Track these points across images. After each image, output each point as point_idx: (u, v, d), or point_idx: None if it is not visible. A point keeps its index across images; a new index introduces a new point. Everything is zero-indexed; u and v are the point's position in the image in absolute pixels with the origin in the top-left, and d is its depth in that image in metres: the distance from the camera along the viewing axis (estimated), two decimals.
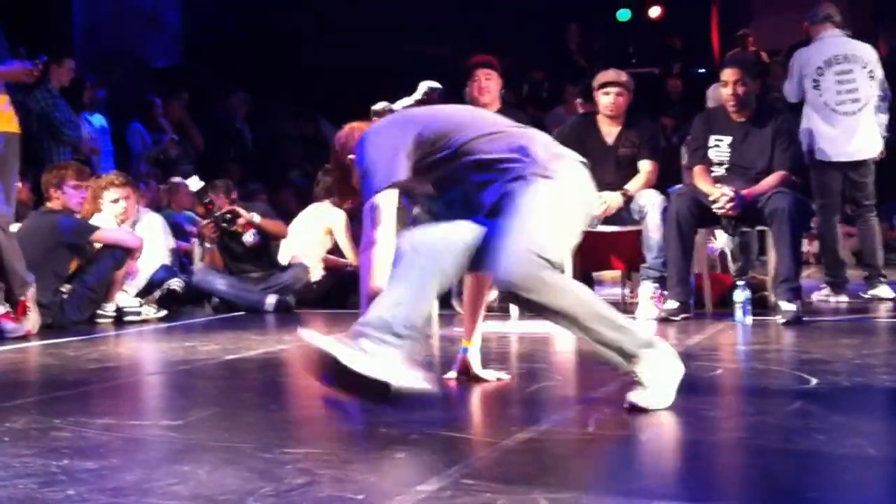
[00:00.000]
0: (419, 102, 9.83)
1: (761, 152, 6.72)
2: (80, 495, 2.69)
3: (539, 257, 3.48)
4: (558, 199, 3.68)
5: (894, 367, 4.73)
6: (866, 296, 7.50)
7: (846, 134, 7.36)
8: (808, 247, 10.34)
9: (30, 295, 6.40)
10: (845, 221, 8.26)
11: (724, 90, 6.83)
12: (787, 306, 6.23)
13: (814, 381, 4.27)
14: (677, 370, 3.68)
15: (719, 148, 6.81)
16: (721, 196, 6.52)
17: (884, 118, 7.46)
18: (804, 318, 6.27)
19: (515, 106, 9.22)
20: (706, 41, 15.47)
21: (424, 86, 10.13)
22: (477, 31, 12.88)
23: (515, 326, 6.17)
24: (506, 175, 3.74)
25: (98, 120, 10.36)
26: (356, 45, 13.49)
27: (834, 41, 7.42)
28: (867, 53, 7.40)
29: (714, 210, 6.57)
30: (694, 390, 4.13)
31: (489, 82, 7.28)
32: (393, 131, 3.90)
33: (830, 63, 7.37)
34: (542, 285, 3.47)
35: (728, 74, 6.83)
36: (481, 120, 3.99)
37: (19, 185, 7.09)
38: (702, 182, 6.73)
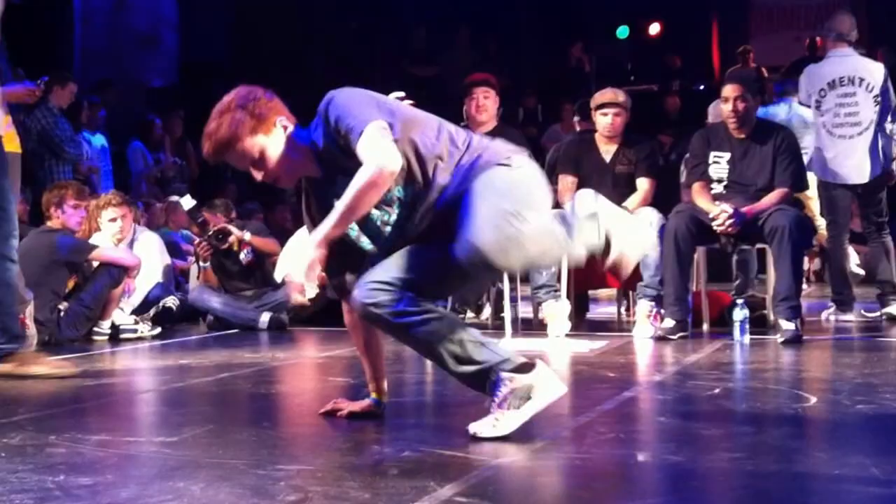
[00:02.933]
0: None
1: (761, 169, 6.73)
2: None
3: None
4: None
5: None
6: (874, 314, 7.45)
7: (844, 157, 7.32)
8: (809, 264, 10.35)
9: (28, 312, 6.41)
10: (854, 240, 8.21)
11: (725, 106, 6.84)
12: (787, 325, 6.23)
13: (813, 399, 4.28)
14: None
15: (719, 165, 6.82)
16: (721, 213, 6.52)
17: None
18: (804, 337, 6.27)
19: (512, 125, 9.26)
20: (706, 58, 15.51)
21: (392, 97, 10.22)
22: (473, 51, 12.94)
23: (510, 343, 6.16)
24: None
25: (98, 140, 10.41)
26: (350, 65, 13.54)
27: (842, 61, 7.35)
28: (874, 74, 7.32)
29: (714, 228, 6.57)
30: (691, 410, 4.15)
31: (487, 101, 7.31)
32: (367, 98, 3.65)
33: (834, 85, 7.34)
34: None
35: (729, 90, 6.84)
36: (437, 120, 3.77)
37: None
38: (701, 199, 6.73)
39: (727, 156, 6.81)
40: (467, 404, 4.17)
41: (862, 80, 7.30)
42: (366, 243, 3.71)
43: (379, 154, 3.41)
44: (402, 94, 10.21)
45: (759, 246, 6.99)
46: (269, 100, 3.70)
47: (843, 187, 7.36)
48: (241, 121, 3.60)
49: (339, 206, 3.45)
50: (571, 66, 14.76)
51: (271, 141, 3.62)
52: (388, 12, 13.80)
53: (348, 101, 3.60)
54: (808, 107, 7.54)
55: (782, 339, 6.17)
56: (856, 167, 7.29)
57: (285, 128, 3.66)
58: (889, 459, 3.23)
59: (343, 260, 3.71)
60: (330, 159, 3.61)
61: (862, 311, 7.54)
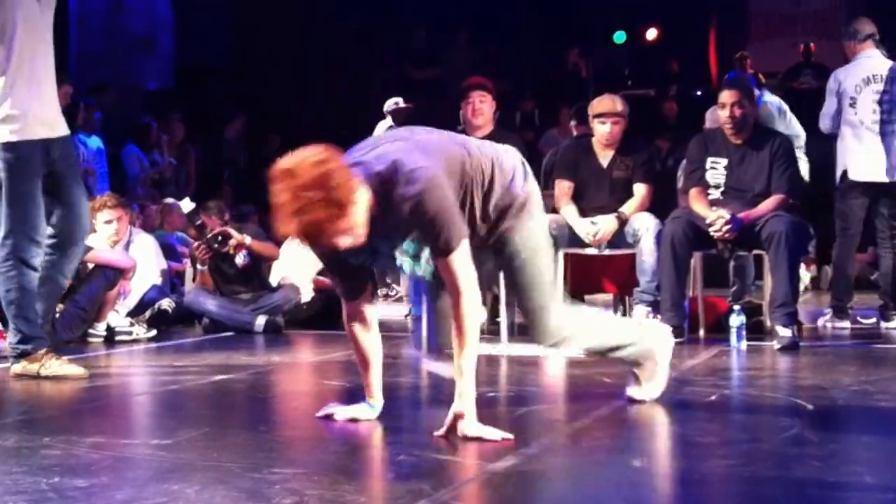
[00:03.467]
0: (391, 115, 9.95)
1: (758, 175, 6.72)
2: None
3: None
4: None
5: (892, 394, 4.74)
6: (870, 321, 7.41)
7: (879, 154, 7.26)
8: (806, 272, 10.34)
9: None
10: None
11: (722, 112, 6.82)
12: (784, 331, 6.23)
13: (809, 407, 4.29)
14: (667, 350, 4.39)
15: (716, 170, 6.82)
16: (718, 219, 6.53)
17: None
18: (801, 344, 6.27)
19: (509, 129, 9.25)
20: (703, 63, 15.52)
21: (391, 102, 10.25)
22: (472, 52, 12.94)
23: (506, 349, 6.18)
24: None
25: (94, 142, 10.38)
26: (349, 67, 13.56)
27: (873, 61, 7.33)
28: None
29: (711, 233, 6.57)
30: (688, 416, 4.16)
31: (483, 104, 7.30)
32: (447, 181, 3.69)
33: (869, 81, 7.28)
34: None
35: (726, 96, 6.82)
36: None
37: None
38: (698, 205, 6.73)
39: (724, 161, 6.81)
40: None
41: (893, 79, 7.26)
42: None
43: (471, 284, 3.62)
44: (399, 99, 10.29)
45: (755, 252, 6.97)
46: (345, 179, 3.43)
47: (863, 194, 7.28)
48: (323, 219, 3.38)
49: (467, 360, 3.61)
50: (569, 70, 14.77)
51: (353, 216, 3.46)
52: (387, 13, 13.81)
53: (441, 201, 3.59)
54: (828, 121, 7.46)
55: (779, 346, 6.17)
56: (889, 165, 7.24)
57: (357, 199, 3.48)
58: (884, 467, 3.25)
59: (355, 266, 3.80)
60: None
61: (858, 318, 7.53)
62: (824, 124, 7.48)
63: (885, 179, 7.23)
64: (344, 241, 3.48)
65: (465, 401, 3.58)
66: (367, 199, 3.50)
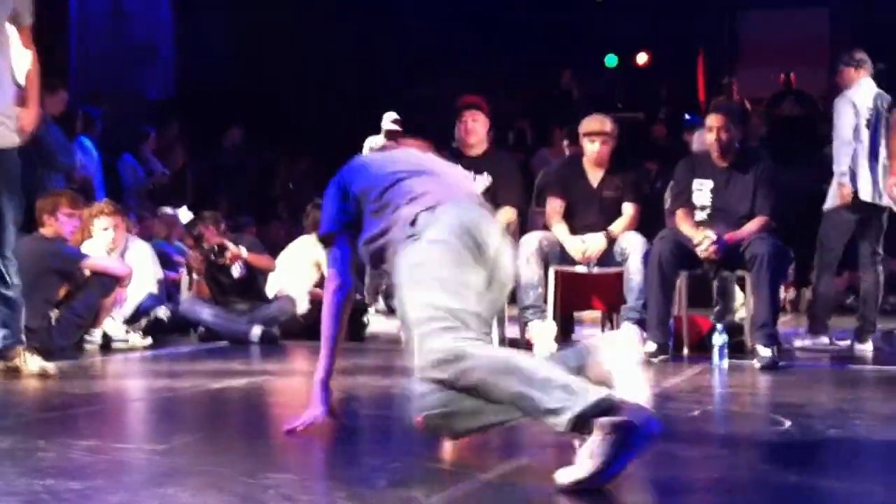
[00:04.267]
0: (387, 133, 9.98)
1: (743, 197, 6.76)
2: None
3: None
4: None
5: (868, 413, 4.77)
6: (845, 342, 7.42)
7: (875, 177, 7.26)
8: (785, 293, 10.36)
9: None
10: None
11: (709, 135, 6.86)
12: (764, 351, 6.26)
13: (787, 423, 4.30)
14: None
15: (702, 192, 6.85)
16: (704, 239, 6.56)
17: None
18: (780, 364, 6.29)
19: (503, 147, 9.29)
20: (692, 88, 15.57)
21: (388, 118, 10.28)
22: (468, 71, 12.95)
23: None
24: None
25: (92, 150, 10.35)
26: (347, 83, 13.58)
27: (873, 88, 7.37)
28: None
29: (697, 253, 6.61)
30: (671, 430, 4.15)
31: (475, 124, 7.31)
32: None
33: (880, 110, 7.31)
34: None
35: (713, 120, 6.87)
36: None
37: None
38: (684, 225, 6.76)
39: (710, 184, 6.84)
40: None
41: (876, 107, 7.30)
42: None
43: None
44: (394, 114, 10.32)
45: (738, 273, 7.00)
46: None
47: (853, 216, 7.29)
48: None
49: None
50: (561, 92, 14.81)
51: None
52: (385, 32, 13.81)
53: None
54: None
55: (759, 365, 6.19)
56: (878, 188, 7.27)
57: None
58: (857, 482, 3.26)
59: None
60: None
61: (834, 340, 7.53)
62: (843, 143, 7.38)
63: (880, 202, 7.25)
64: None
65: None
66: None
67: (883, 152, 7.22)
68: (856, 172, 7.28)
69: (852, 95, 7.34)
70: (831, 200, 7.44)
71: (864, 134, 7.29)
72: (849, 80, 7.40)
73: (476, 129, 7.31)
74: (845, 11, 14.27)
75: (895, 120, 6.90)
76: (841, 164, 7.32)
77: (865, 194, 7.25)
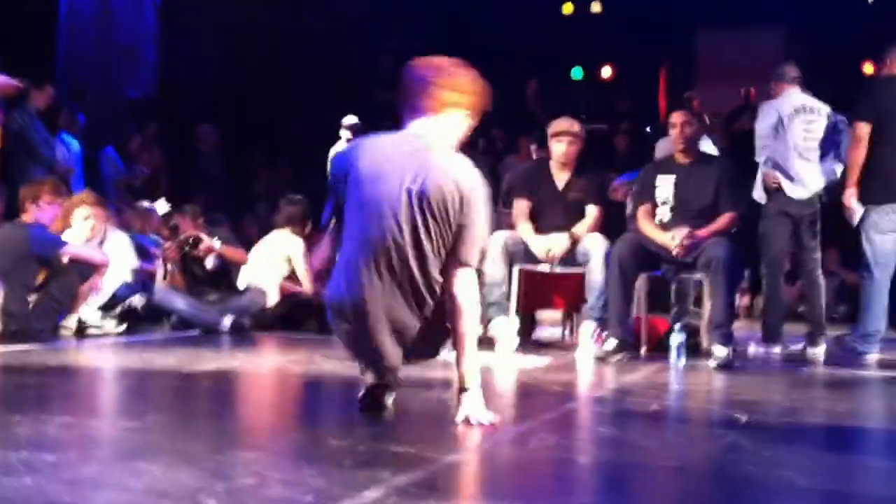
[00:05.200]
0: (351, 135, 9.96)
1: (703, 190, 6.79)
2: (38, 484, 2.65)
3: None
4: None
5: (820, 410, 4.78)
6: (798, 347, 7.43)
7: (807, 177, 7.33)
8: (739, 301, 10.38)
9: None
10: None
11: (673, 131, 6.96)
12: (720, 350, 6.25)
13: (744, 418, 4.28)
14: None
15: (664, 186, 6.87)
16: (677, 233, 6.59)
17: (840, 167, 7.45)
18: (735, 364, 6.28)
19: (474, 152, 9.24)
20: (654, 102, 15.61)
21: (346, 121, 10.25)
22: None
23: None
24: None
25: (75, 145, 10.27)
26: (329, 84, 13.53)
27: (800, 96, 7.44)
28: (825, 110, 7.42)
29: (670, 249, 6.61)
30: (630, 422, 4.14)
31: None
32: None
33: (799, 111, 7.38)
34: None
35: (676, 117, 7.01)
36: None
37: None
38: (647, 226, 6.77)
39: (672, 178, 6.88)
40: (423, 404, 4.16)
41: (818, 111, 7.36)
42: None
43: None
44: (355, 119, 10.26)
45: (696, 276, 6.99)
46: None
47: (788, 218, 7.33)
48: None
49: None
50: (528, 101, 14.78)
51: None
52: (360, 40, 13.74)
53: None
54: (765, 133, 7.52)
55: (715, 364, 6.18)
56: (812, 187, 7.31)
57: None
58: (812, 472, 3.25)
59: None
60: None
61: (787, 345, 7.53)
62: (761, 136, 7.49)
63: (808, 197, 7.29)
64: None
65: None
66: None
67: (809, 153, 7.33)
68: (784, 172, 7.34)
69: (775, 103, 7.45)
70: (759, 192, 7.50)
71: (786, 135, 7.35)
72: (775, 92, 7.51)
73: None
74: (801, 32, 14.31)
75: (855, 132, 6.92)
76: (760, 156, 7.46)
77: (792, 191, 7.32)
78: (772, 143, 7.39)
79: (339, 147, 10.21)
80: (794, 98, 7.44)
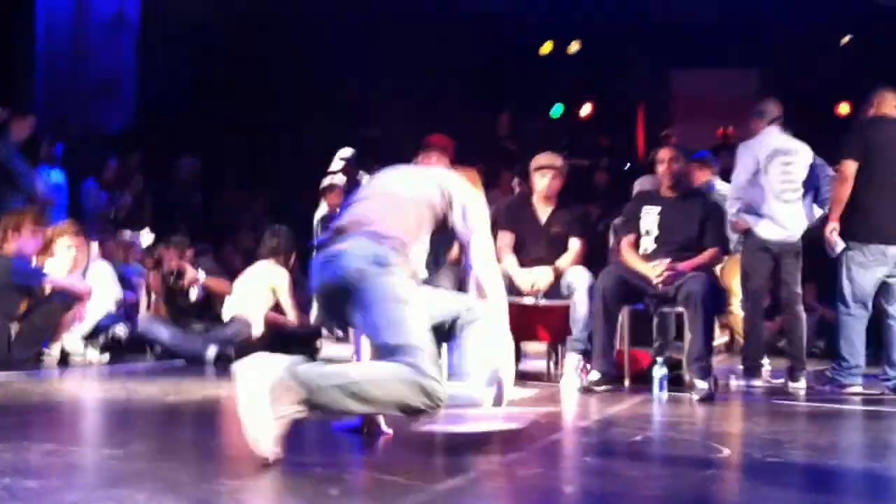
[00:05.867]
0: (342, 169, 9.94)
1: (688, 223, 6.79)
2: None
3: None
4: None
5: (802, 443, 4.72)
6: (779, 381, 7.40)
7: (786, 219, 7.33)
8: (720, 335, 10.32)
9: None
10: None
11: (660, 167, 6.96)
12: (701, 384, 6.21)
13: (726, 451, 4.24)
14: None
15: (649, 216, 6.87)
16: (658, 265, 6.58)
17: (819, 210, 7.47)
18: (717, 397, 6.24)
19: None
20: (632, 139, 15.67)
21: (339, 155, 10.23)
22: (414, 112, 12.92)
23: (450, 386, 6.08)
24: None
25: (56, 175, 10.20)
26: (309, 118, 13.51)
27: (778, 137, 7.44)
28: (805, 150, 7.43)
29: (652, 281, 6.59)
30: (614, 453, 4.10)
31: (437, 164, 7.29)
32: None
33: (777, 154, 7.38)
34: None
35: (664, 153, 7.02)
36: None
37: None
38: (631, 257, 6.76)
39: (657, 209, 6.88)
40: (407, 434, 4.09)
41: (797, 151, 7.37)
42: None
43: None
44: (348, 153, 10.23)
45: (677, 309, 6.96)
46: None
47: (768, 255, 7.32)
48: None
49: None
50: (506, 137, 14.81)
51: None
52: (337, 70, 13.72)
53: None
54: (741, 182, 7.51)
55: (697, 397, 6.14)
56: (795, 228, 7.31)
57: None
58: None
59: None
60: None
61: (768, 379, 7.51)
62: (737, 188, 7.49)
63: (790, 240, 7.29)
64: None
65: None
66: None
67: (786, 195, 7.31)
68: (760, 214, 7.33)
69: (752, 144, 7.44)
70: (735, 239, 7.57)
71: (763, 178, 7.34)
72: (754, 130, 7.51)
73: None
74: (776, 72, 14.39)
75: (840, 172, 6.92)
76: (731, 207, 7.44)
77: (768, 233, 7.31)
78: (745, 193, 7.40)
79: (329, 181, 10.17)
80: (772, 139, 7.44)
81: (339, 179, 9.83)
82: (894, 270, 6.89)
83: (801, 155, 7.42)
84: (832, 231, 6.89)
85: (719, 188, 8.40)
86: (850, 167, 6.87)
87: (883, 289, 6.92)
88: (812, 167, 7.45)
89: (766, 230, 7.33)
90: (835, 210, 6.93)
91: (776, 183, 7.34)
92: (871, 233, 6.86)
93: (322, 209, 10.47)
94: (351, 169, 10.13)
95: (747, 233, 7.42)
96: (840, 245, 6.87)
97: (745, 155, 7.48)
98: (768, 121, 7.49)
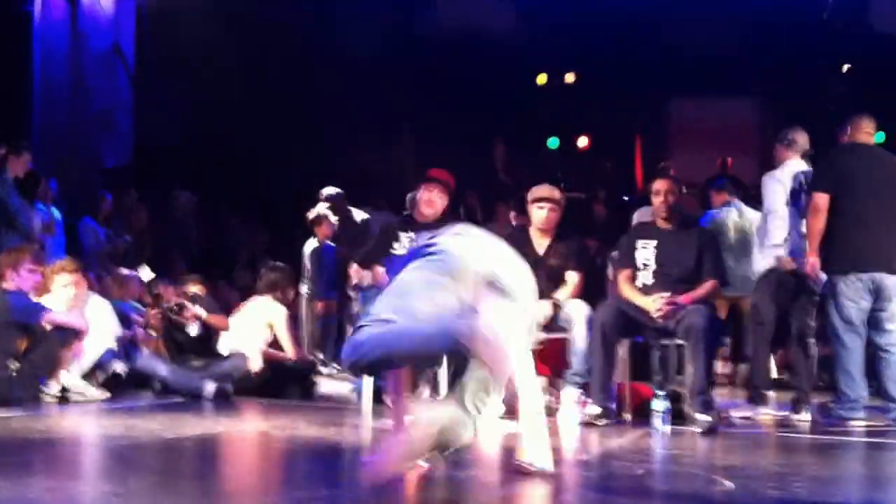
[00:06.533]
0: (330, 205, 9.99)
1: (685, 256, 6.79)
2: None
3: None
4: None
5: (807, 477, 4.71)
6: (782, 415, 7.37)
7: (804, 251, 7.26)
8: (723, 368, 10.31)
9: None
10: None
11: (656, 199, 6.95)
12: (703, 417, 6.21)
13: (729, 484, 4.24)
14: None
15: (646, 250, 6.87)
16: (657, 299, 6.58)
17: None
18: (719, 429, 6.23)
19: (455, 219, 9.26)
20: (631, 170, 15.69)
21: (326, 192, 10.28)
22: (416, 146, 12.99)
23: None
24: None
25: (54, 213, 10.22)
26: (306, 155, 13.56)
27: (802, 170, 7.37)
28: None
29: (652, 314, 6.60)
30: (617, 486, 4.10)
31: (437, 197, 7.35)
32: None
33: (802, 187, 7.30)
34: None
35: (660, 184, 7.00)
36: None
37: None
38: (629, 291, 6.77)
39: (654, 242, 6.88)
40: (407, 471, 4.09)
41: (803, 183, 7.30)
42: None
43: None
44: (335, 191, 10.26)
45: (677, 342, 6.96)
46: None
47: (784, 286, 7.27)
48: None
49: None
50: (503, 170, 14.86)
51: None
52: (334, 104, 13.76)
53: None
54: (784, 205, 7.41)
55: (700, 430, 6.14)
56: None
57: None
58: None
59: None
60: None
61: (772, 412, 7.49)
62: (782, 218, 7.29)
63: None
64: None
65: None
66: None
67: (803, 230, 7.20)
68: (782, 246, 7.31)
69: (779, 174, 7.38)
70: (757, 266, 7.45)
71: (791, 210, 7.31)
72: (779, 158, 7.44)
73: (435, 203, 7.33)
74: (775, 101, 14.43)
75: (814, 202, 6.90)
76: (775, 238, 7.30)
77: (802, 266, 7.26)
78: (785, 225, 7.27)
79: (317, 211, 10.19)
80: (798, 171, 7.34)
81: (327, 210, 9.89)
82: (882, 303, 6.88)
83: None
84: (813, 265, 6.86)
85: (745, 211, 8.37)
86: (822, 200, 6.82)
87: (871, 321, 6.91)
88: None
89: (789, 262, 7.27)
90: (812, 243, 6.89)
91: (799, 216, 7.28)
92: (850, 263, 6.83)
93: (312, 242, 10.51)
94: (339, 205, 10.19)
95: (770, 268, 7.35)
96: (822, 276, 6.87)
97: (772, 185, 7.36)
98: (798, 153, 7.41)
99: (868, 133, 7.09)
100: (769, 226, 7.36)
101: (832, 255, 6.87)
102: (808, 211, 7.00)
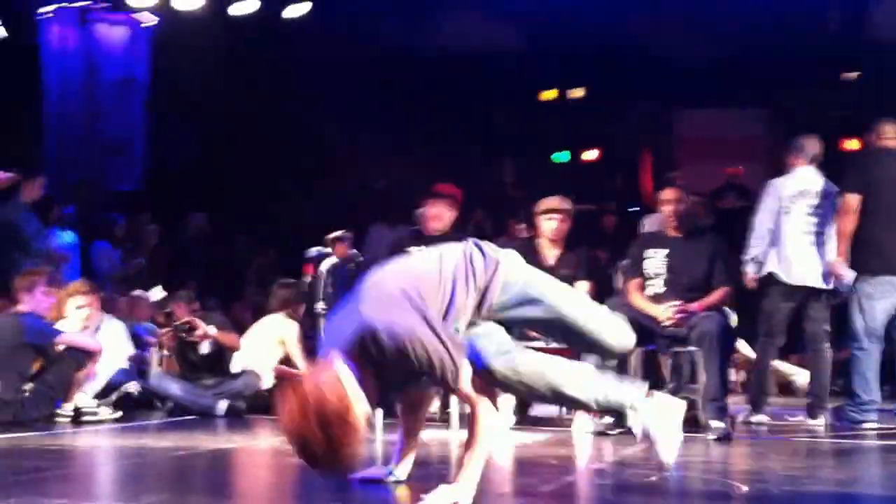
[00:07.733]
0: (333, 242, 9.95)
1: (696, 264, 6.75)
2: None
3: None
4: None
5: (822, 479, 4.69)
6: (796, 421, 7.32)
7: (810, 261, 7.25)
8: (735, 376, 10.27)
9: None
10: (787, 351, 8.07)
11: (665, 208, 6.93)
12: (717, 423, 6.18)
13: (744, 488, 4.21)
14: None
15: (655, 259, 6.83)
16: (668, 308, 6.54)
17: None
18: (733, 436, 6.20)
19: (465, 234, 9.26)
20: (638, 183, 15.68)
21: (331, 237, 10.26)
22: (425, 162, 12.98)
23: (456, 434, 6.07)
24: None
25: (68, 237, 10.25)
26: (315, 178, 13.60)
27: (807, 177, 7.35)
28: (834, 191, 7.30)
29: (662, 322, 6.56)
30: (631, 494, 4.08)
31: (444, 212, 7.34)
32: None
33: (803, 195, 7.28)
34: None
35: (668, 193, 6.97)
36: None
37: None
38: (638, 300, 6.73)
39: (664, 251, 6.84)
40: (419, 480, 4.07)
41: (828, 193, 7.24)
42: None
43: (481, 400, 3.65)
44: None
45: (690, 349, 6.92)
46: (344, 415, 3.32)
47: (790, 297, 7.23)
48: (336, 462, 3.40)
49: (473, 456, 3.64)
50: (512, 184, 14.86)
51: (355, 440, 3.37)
52: (339, 123, 13.78)
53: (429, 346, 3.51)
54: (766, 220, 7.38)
55: (714, 437, 6.10)
56: (817, 272, 7.21)
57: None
58: None
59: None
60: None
61: (786, 417, 7.46)
62: (761, 223, 7.37)
63: (816, 285, 7.18)
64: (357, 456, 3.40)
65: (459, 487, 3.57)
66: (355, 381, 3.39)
67: (811, 237, 7.20)
68: (783, 256, 7.25)
69: (778, 182, 7.35)
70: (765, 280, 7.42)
71: (784, 218, 7.27)
72: (788, 165, 7.43)
73: (443, 216, 7.32)
74: (783, 112, 14.40)
75: (845, 202, 6.89)
76: (750, 251, 7.36)
77: (790, 277, 7.22)
78: (764, 240, 7.30)
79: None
80: (801, 179, 7.31)
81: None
82: None
83: (831, 197, 7.28)
84: (840, 264, 6.84)
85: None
86: (853, 200, 6.85)
87: (892, 321, 6.89)
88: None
89: (788, 273, 7.23)
90: (841, 244, 6.90)
91: (801, 224, 7.24)
92: (879, 264, 6.83)
93: (330, 259, 10.48)
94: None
95: (770, 275, 7.32)
96: (850, 275, 6.83)
97: (768, 194, 7.36)
98: (807, 160, 7.37)
99: (891, 138, 7.09)
100: (749, 237, 7.41)
101: (861, 256, 6.86)
102: (838, 212, 7.00)
